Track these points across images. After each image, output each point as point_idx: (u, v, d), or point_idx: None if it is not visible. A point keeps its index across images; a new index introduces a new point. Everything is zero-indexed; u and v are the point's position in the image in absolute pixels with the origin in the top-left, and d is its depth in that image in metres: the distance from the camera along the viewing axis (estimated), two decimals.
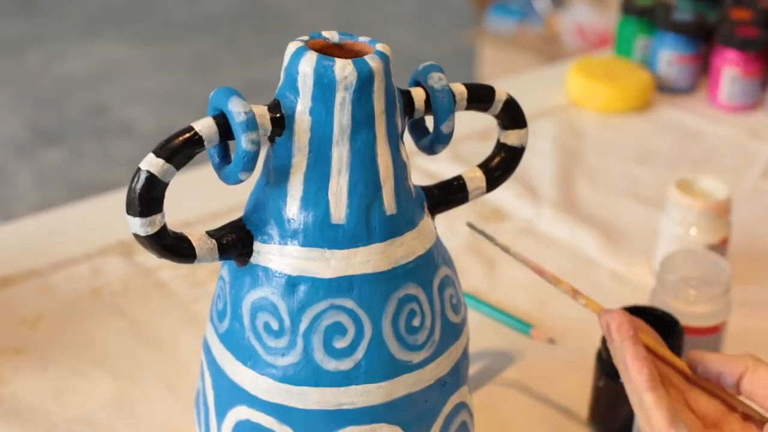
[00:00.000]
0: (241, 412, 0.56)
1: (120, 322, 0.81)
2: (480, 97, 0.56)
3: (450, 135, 0.56)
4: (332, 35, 0.54)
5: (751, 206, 1.00)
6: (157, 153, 0.49)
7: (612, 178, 1.06)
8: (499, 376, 0.76)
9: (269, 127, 0.52)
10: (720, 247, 0.83)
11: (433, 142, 0.56)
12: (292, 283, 0.53)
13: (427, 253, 0.56)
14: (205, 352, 0.59)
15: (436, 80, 0.55)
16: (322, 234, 0.53)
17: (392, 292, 0.54)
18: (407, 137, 0.57)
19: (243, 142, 0.50)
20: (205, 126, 0.50)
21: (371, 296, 0.53)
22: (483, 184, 0.60)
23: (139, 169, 0.49)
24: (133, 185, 0.49)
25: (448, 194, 0.59)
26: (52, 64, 3.14)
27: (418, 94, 0.55)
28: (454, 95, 0.55)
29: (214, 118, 0.51)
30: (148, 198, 0.50)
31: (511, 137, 0.58)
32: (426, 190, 0.58)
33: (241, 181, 0.52)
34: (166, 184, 0.50)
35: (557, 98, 1.23)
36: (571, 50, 2.43)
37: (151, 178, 0.49)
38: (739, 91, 1.19)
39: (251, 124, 0.50)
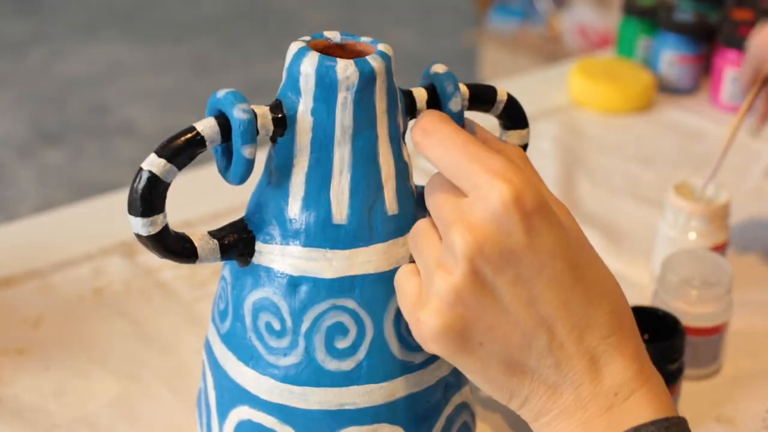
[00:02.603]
0: (243, 413, 0.56)
1: (122, 322, 0.81)
2: (482, 97, 0.56)
3: None
4: (334, 35, 0.54)
5: (752, 207, 1.00)
6: (159, 153, 0.49)
7: (613, 178, 1.06)
8: None
9: (271, 127, 0.52)
10: (718, 252, 0.83)
11: None
12: (293, 283, 0.53)
13: None
14: (207, 353, 0.59)
15: (454, 103, 0.54)
16: (323, 234, 0.53)
17: (394, 293, 0.54)
18: (408, 138, 0.57)
19: (241, 150, 0.50)
20: (206, 126, 0.50)
21: (373, 296, 0.53)
22: None
23: (140, 169, 0.49)
24: (135, 185, 0.50)
25: None
26: (53, 64, 3.14)
27: (420, 95, 0.55)
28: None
29: (216, 118, 0.51)
30: (149, 198, 0.50)
31: (513, 137, 0.58)
32: None
33: (245, 181, 0.52)
34: (167, 184, 0.50)
35: (559, 98, 1.23)
36: (573, 50, 2.43)
37: (152, 178, 0.49)
38: (741, 91, 1.19)
39: (251, 129, 0.50)
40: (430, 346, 0.48)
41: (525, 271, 0.46)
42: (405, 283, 0.50)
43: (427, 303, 0.48)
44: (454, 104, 0.54)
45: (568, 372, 0.48)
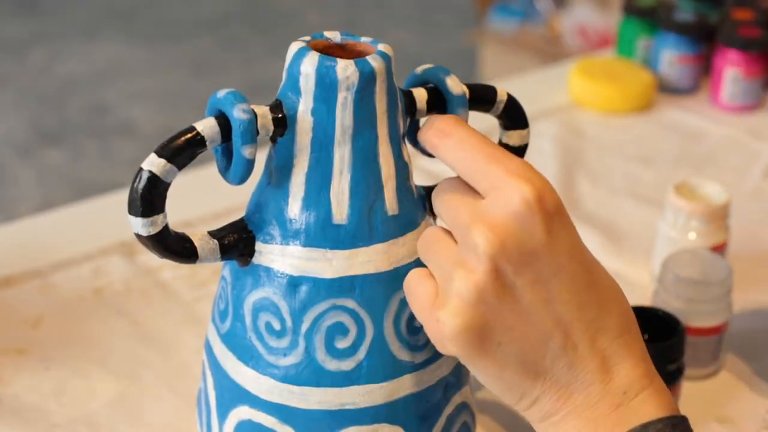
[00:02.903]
0: (243, 412, 0.56)
1: (122, 322, 0.81)
2: (482, 97, 0.56)
3: None
4: (334, 35, 0.54)
5: (752, 207, 1.00)
6: (159, 153, 0.49)
7: (613, 178, 1.06)
8: None
9: (271, 127, 0.52)
10: (718, 252, 0.83)
11: None
12: (293, 283, 0.53)
13: None
14: (207, 352, 0.59)
15: (453, 86, 0.54)
16: (323, 234, 0.53)
17: (394, 293, 0.54)
18: (408, 138, 0.57)
19: (241, 150, 0.50)
20: (206, 126, 0.50)
21: (373, 296, 0.53)
22: None
23: (140, 169, 0.49)
24: (135, 185, 0.50)
25: None
26: (53, 64, 3.14)
27: (420, 95, 0.55)
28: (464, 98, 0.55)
29: (216, 118, 0.51)
30: (149, 198, 0.50)
31: (513, 137, 0.58)
32: (428, 190, 0.58)
33: (245, 181, 0.52)
34: (167, 184, 0.50)
35: (559, 98, 1.23)
36: (573, 50, 2.43)
37: (152, 178, 0.49)
38: (741, 91, 1.19)
39: (251, 129, 0.50)
40: (449, 347, 0.48)
41: (544, 271, 0.47)
42: (418, 286, 0.50)
43: (446, 303, 0.48)
44: (454, 86, 0.54)
45: (580, 372, 0.48)
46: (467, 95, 0.55)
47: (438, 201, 0.50)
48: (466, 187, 0.49)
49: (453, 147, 0.49)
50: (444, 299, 0.48)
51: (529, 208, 0.46)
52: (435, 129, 0.50)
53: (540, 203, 0.46)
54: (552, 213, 0.47)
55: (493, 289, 0.47)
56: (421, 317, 0.50)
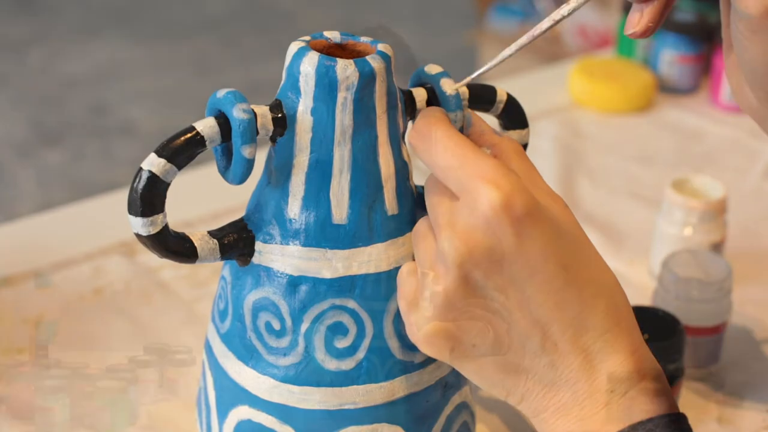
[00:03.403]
0: (243, 412, 0.56)
1: (122, 322, 0.81)
2: (481, 97, 0.56)
3: None
4: (334, 35, 0.54)
5: (752, 206, 1.00)
6: (159, 153, 0.49)
7: (613, 178, 1.06)
8: None
9: (271, 127, 0.52)
10: (716, 248, 0.83)
11: None
12: (293, 283, 0.53)
13: None
14: (207, 352, 0.59)
15: (447, 86, 0.54)
16: (323, 234, 0.53)
17: (394, 292, 0.54)
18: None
19: (241, 150, 0.50)
20: (206, 126, 0.50)
21: (373, 296, 0.53)
22: None
23: (140, 169, 0.49)
24: (135, 185, 0.50)
25: None
26: (53, 63, 3.14)
27: (420, 95, 0.55)
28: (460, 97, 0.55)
29: (216, 118, 0.51)
30: (149, 198, 0.50)
31: (513, 137, 0.58)
32: None
33: (245, 181, 0.52)
34: (167, 184, 0.50)
35: (559, 98, 1.23)
36: (573, 50, 2.43)
37: (152, 178, 0.49)
38: None
39: (251, 129, 0.50)
40: (424, 349, 0.49)
41: (516, 275, 0.46)
42: (404, 282, 0.51)
43: (419, 306, 0.48)
44: (447, 87, 0.54)
45: (563, 371, 0.48)
46: (463, 95, 0.55)
47: (425, 195, 0.51)
48: (446, 186, 0.49)
49: (429, 149, 0.49)
50: (418, 302, 0.49)
51: (496, 215, 0.45)
52: (414, 130, 0.50)
53: (507, 208, 0.45)
54: (521, 216, 0.46)
55: (462, 296, 0.47)
56: (402, 316, 0.50)
